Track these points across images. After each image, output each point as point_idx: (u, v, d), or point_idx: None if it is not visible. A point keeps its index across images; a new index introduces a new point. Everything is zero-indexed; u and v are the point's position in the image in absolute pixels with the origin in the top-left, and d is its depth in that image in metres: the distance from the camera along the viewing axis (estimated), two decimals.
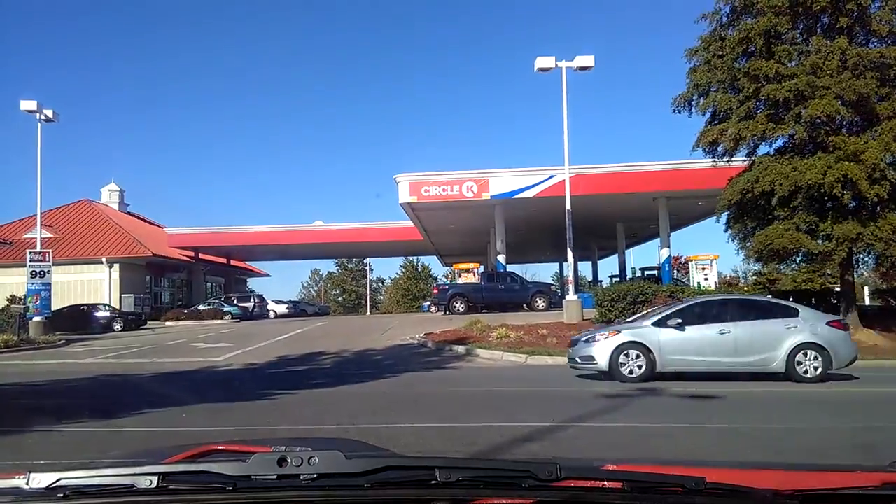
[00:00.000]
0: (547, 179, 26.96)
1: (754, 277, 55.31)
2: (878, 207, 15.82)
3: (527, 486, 1.25)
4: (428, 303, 38.00)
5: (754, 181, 16.70)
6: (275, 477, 1.24)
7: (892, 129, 14.91)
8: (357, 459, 1.28)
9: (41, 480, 1.23)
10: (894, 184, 15.31)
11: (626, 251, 39.32)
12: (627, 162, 29.11)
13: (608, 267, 60.03)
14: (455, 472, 1.24)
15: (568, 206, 21.14)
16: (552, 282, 50.04)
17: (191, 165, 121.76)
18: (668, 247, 29.52)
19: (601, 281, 41.26)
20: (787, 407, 8.95)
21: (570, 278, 21.55)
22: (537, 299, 27.63)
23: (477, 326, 18.83)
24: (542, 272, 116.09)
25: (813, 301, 19.86)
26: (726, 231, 18.86)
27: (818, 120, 15.81)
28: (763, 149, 18.30)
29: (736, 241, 18.62)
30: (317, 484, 1.23)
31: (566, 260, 49.13)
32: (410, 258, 70.63)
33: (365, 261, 65.98)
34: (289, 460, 1.24)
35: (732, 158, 18.74)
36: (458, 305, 27.42)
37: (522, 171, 28.08)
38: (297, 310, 44.26)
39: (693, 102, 18.83)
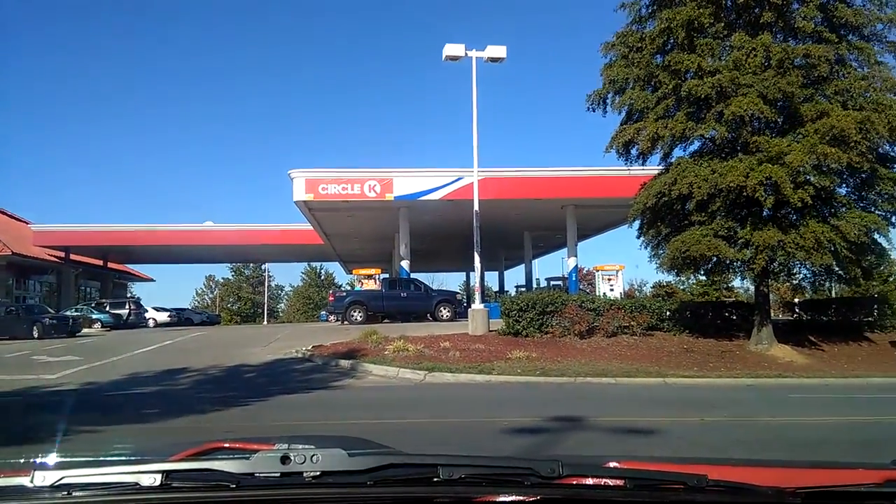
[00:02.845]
0: (455, 181, 25.33)
1: (653, 290, 56.51)
2: (801, 214, 15.08)
3: (529, 484, 1.24)
4: (326, 312, 35.45)
5: (671, 183, 15.62)
6: (278, 474, 1.23)
7: (817, 131, 14.15)
8: (360, 457, 1.28)
9: (46, 478, 1.22)
10: (819, 189, 14.59)
11: (533, 261, 38.49)
12: (539, 166, 28.02)
13: (515, 277, 59.52)
14: (458, 469, 1.23)
15: (476, 207, 19.52)
16: (459, 290, 48.65)
17: (66, 160, 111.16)
18: (576, 256, 28.64)
19: (507, 291, 40.15)
20: None
21: (478, 285, 19.79)
22: (442, 309, 25.87)
23: (372, 338, 16.76)
24: (450, 282, 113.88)
25: (710, 315, 19.13)
26: (639, 237, 17.81)
27: (741, 119, 14.91)
28: (679, 152, 17.39)
29: (649, 249, 17.62)
30: (320, 481, 1.22)
31: (474, 268, 48.02)
32: (313, 264, 67.44)
33: (263, 266, 62.17)
34: (292, 458, 1.23)
35: (647, 162, 17.73)
36: (356, 314, 25.22)
37: (429, 171, 26.34)
38: (182, 318, 40.48)
39: (608, 100, 17.69)
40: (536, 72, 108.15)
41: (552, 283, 34.26)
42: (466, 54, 19.06)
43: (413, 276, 29.78)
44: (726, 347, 16.41)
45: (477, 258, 19.52)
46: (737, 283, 43.93)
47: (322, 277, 68.40)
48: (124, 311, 35.56)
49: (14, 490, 1.26)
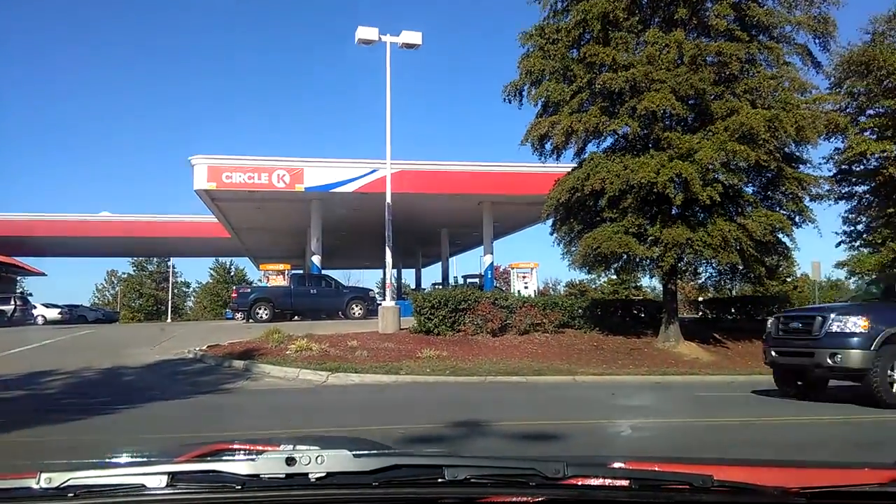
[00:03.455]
0: (370, 173, 24.36)
1: (566, 288, 57.39)
2: (709, 213, 15.13)
3: (534, 484, 1.25)
4: (231, 310, 33.61)
5: (584, 179, 15.38)
6: (283, 476, 1.23)
7: (727, 128, 14.20)
8: (365, 458, 1.28)
9: (52, 480, 1.21)
10: (727, 187, 14.66)
11: (451, 259, 38.09)
12: (460, 161, 27.47)
13: (433, 275, 59.05)
14: (463, 470, 1.24)
15: (388, 200, 18.72)
16: (375, 288, 47.66)
17: None
18: (492, 253, 28.33)
19: (424, 289, 39.56)
20: None
21: (389, 282, 19.02)
22: (354, 306, 24.88)
23: (274, 337, 15.66)
24: (367, 280, 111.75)
25: (619, 312, 19.15)
26: (552, 234, 17.55)
27: (653, 115, 14.80)
28: (593, 148, 17.20)
29: (562, 246, 17.37)
30: (325, 482, 1.23)
31: (397, 266, 47.00)
32: (222, 260, 64.65)
33: (168, 261, 58.94)
34: (297, 459, 1.23)
35: (561, 157, 17.48)
36: (261, 312, 23.87)
37: (342, 162, 25.29)
38: (75, 315, 37.62)
39: (524, 92, 17.31)
40: (457, 62, 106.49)
41: (469, 280, 33.87)
42: (380, 38, 18.19)
43: (328, 272, 28.67)
44: (635, 345, 16.34)
45: (388, 253, 18.72)
46: (645, 281, 45.18)
47: (232, 274, 65.61)
48: (8, 308, 32.59)
49: (20, 492, 1.25)
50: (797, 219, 15.84)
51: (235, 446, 1.89)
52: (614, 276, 40.29)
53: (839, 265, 20.53)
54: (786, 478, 1.45)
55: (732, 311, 21.00)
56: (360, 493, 1.24)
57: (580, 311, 18.09)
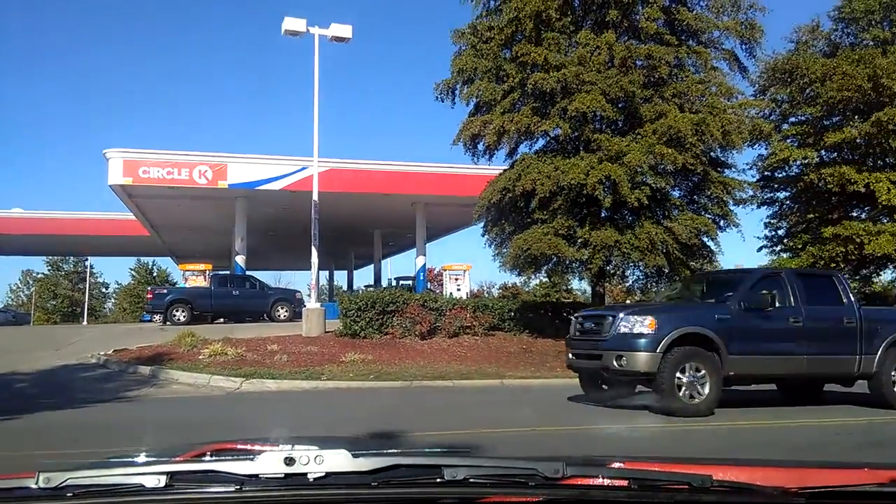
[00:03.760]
0: (298, 171, 23.49)
1: (499, 291, 57.61)
2: (637, 215, 15.13)
3: (533, 484, 1.25)
4: (147, 312, 31.83)
5: (515, 179, 15.16)
6: (282, 475, 1.22)
7: (655, 131, 14.22)
8: (364, 458, 1.27)
9: (50, 480, 1.21)
10: (655, 190, 14.69)
11: (385, 261, 37.50)
12: (390, 160, 26.89)
13: (365, 277, 58.07)
14: (462, 470, 1.23)
15: (315, 197, 18.00)
16: (307, 290, 46.44)
17: None
18: (424, 255, 27.91)
19: (356, 291, 38.77)
20: None
21: (314, 282, 18.25)
22: (279, 308, 23.93)
23: (187, 341, 14.71)
24: (300, 282, 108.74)
25: (550, 315, 19.05)
26: (483, 235, 17.28)
27: (584, 116, 14.71)
28: (526, 149, 17.03)
29: (493, 247, 17.12)
30: (324, 482, 1.22)
31: (323, 266, 46.02)
32: (144, 260, 61.82)
33: (85, 261, 55.82)
34: (296, 459, 1.23)
35: (493, 158, 17.26)
36: (179, 314, 22.63)
37: (269, 158, 24.34)
38: None
39: (457, 91, 17.00)
40: (393, 59, 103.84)
41: (402, 282, 33.35)
42: (308, 30, 17.47)
43: (257, 274, 27.56)
44: (563, 348, 16.14)
45: (314, 253, 17.99)
46: (575, 284, 45.70)
47: (155, 274, 62.78)
48: None
49: (19, 492, 1.25)
50: (721, 223, 16.06)
51: (234, 446, 1.88)
52: (546, 279, 40.55)
53: None
54: (785, 478, 1.44)
55: None
56: (359, 492, 1.24)
57: (511, 313, 17.84)
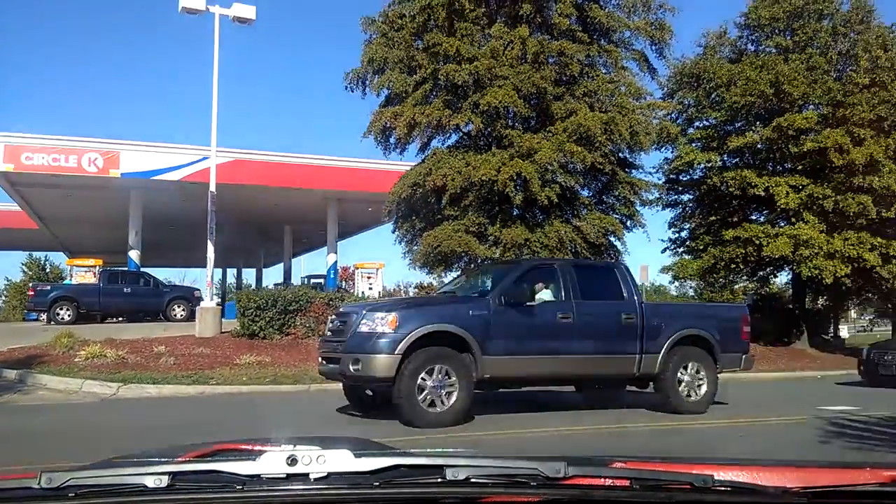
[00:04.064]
0: (199, 161, 21.96)
1: (416, 290, 57.19)
2: (547, 214, 14.96)
3: (535, 484, 1.25)
4: (29, 309, 29.26)
5: (426, 174, 14.69)
6: (284, 476, 1.22)
7: (565, 129, 14.08)
8: (366, 458, 1.27)
9: (52, 480, 1.19)
10: (564, 188, 14.56)
11: (298, 259, 36.31)
12: (300, 153, 25.80)
13: (276, 275, 56.23)
14: (464, 469, 1.23)
15: (212, 188, 16.90)
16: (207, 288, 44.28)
17: None
18: (336, 253, 27.01)
19: (263, 289, 37.30)
20: None
21: (209, 279, 17.12)
22: (176, 307, 22.45)
23: (63, 342, 13.36)
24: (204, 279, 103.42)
25: None
26: (394, 232, 16.73)
27: (496, 111, 14.39)
28: (439, 144, 16.60)
29: (403, 244, 16.58)
30: (326, 482, 1.22)
31: (231, 263, 43.97)
32: (36, 255, 57.51)
33: None
34: (298, 459, 1.23)
35: (405, 152, 16.75)
36: (63, 313, 20.84)
37: (166, 147, 22.75)
38: None
39: (367, 81, 16.33)
40: (303, 45, 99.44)
41: (313, 280, 32.26)
42: (207, 9, 16.33)
43: (155, 270, 25.89)
44: None
45: (210, 248, 16.90)
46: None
47: (48, 270, 58.51)
48: None
49: (21, 492, 1.25)
50: (628, 223, 16.17)
51: (237, 446, 1.82)
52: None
53: (664, 270, 21.51)
54: (787, 477, 1.41)
55: None
56: (361, 492, 1.23)
57: None
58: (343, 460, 1.24)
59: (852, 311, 47.90)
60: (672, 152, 20.33)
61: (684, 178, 21.14)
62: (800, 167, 18.81)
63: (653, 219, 54.99)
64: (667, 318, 8.77)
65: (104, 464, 1.63)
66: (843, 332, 38.85)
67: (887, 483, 1.38)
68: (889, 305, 24.39)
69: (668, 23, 15.77)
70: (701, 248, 20.42)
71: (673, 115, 19.88)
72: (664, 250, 22.18)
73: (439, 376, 7.17)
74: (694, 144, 20.01)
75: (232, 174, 20.07)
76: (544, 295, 8.09)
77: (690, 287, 30.81)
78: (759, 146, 19.31)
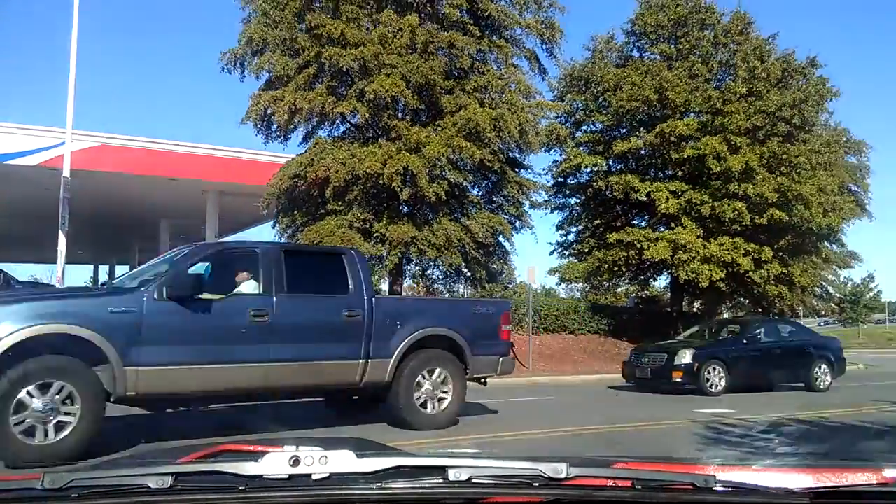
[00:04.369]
0: (59, 145, 19.84)
1: None
2: (435, 211, 14.49)
3: (538, 485, 1.26)
4: None
5: (308, 165, 13.83)
6: (287, 476, 1.24)
7: (455, 123, 13.65)
8: (369, 459, 1.28)
9: (55, 481, 1.21)
10: (453, 185, 14.12)
11: None
12: (177, 140, 23.94)
13: None
14: (466, 470, 1.24)
15: (66, 173, 15.22)
16: (87, 285, 40.85)
17: None
18: None
19: None
20: None
21: (59, 275, 15.38)
22: None
23: None
24: (81, 276, 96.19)
25: None
26: (273, 227, 15.76)
27: (384, 102, 13.73)
28: (324, 134, 15.76)
29: (283, 241, 15.58)
30: (329, 483, 1.24)
31: (102, 259, 40.69)
32: None
33: None
34: (301, 459, 1.24)
35: (288, 141, 15.79)
36: None
37: (20, 128, 20.28)
38: None
39: (246, 62, 15.24)
40: (181, 24, 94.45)
41: None
42: None
43: (9, 265, 23.11)
44: None
45: (61, 239, 15.14)
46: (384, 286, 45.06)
47: None
48: None
49: (24, 492, 1.25)
50: (517, 223, 16.01)
51: (239, 447, 1.75)
52: None
53: (552, 272, 21.66)
54: (789, 478, 1.41)
55: None
56: (364, 493, 1.23)
57: None
58: (345, 461, 1.25)
59: (725, 314, 51.06)
60: (561, 154, 20.48)
61: (572, 182, 21.35)
62: (680, 173, 19.38)
63: (542, 221, 56.21)
64: (404, 316, 7.25)
65: (107, 464, 1.67)
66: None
67: (890, 483, 1.37)
68: (759, 309, 25.80)
69: (558, 22, 15.77)
70: (586, 250, 20.68)
71: (562, 117, 20.00)
72: (552, 252, 22.37)
73: (50, 398, 5.28)
74: (582, 148, 20.20)
75: (97, 160, 18.25)
76: (246, 287, 6.60)
77: (577, 290, 31.49)
78: (642, 151, 19.76)
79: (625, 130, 20.14)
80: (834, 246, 22.72)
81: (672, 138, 18.16)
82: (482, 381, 8.06)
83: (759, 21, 23.08)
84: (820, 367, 13.31)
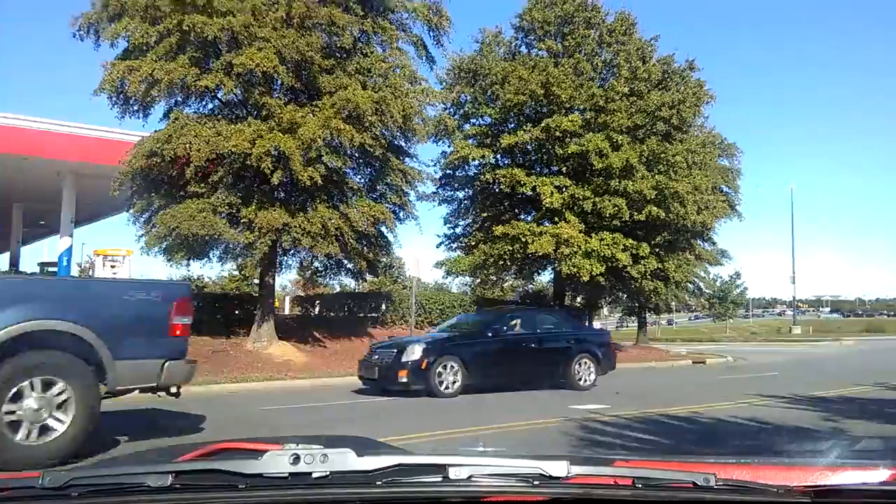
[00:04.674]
0: None
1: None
2: (311, 197, 13.57)
3: (538, 483, 1.23)
4: None
5: (166, 142, 12.51)
6: (287, 475, 1.22)
7: (333, 104, 12.78)
8: (369, 457, 1.26)
9: (55, 479, 1.20)
10: (331, 170, 13.25)
11: (39, 243, 30.72)
12: (28, 115, 21.44)
13: (3, 262, 48.04)
14: (466, 469, 1.22)
15: None
16: None
17: None
18: (71, 236, 22.93)
19: None
20: None
21: None
22: None
23: None
24: None
25: (236, 312, 16.92)
26: (128, 210, 14.26)
27: (256, 78, 12.66)
28: (191, 111, 14.37)
29: (139, 225, 14.19)
30: (329, 482, 1.22)
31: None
32: None
33: None
34: (301, 458, 1.22)
35: (148, 117, 14.31)
36: None
37: None
38: None
39: (100, 28, 13.66)
40: None
41: (48, 268, 27.51)
42: None
43: None
44: (222, 346, 13.97)
45: None
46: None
47: None
48: None
49: (24, 491, 1.25)
50: (401, 213, 15.37)
51: (239, 446, 1.72)
52: (237, 272, 37.47)
53: (438, 265, 21.24)
54: (790, 476, 1.40)
55: (341, 307, 20.09)
56: (364, 492, 1.23)
57: None
58: (346, 460, 1.24)
59: (605, 309, 52.92)
60: (449, 146, 20.07)
61: (460, 174, 21.04)
62: (564, 169, 19.48)
63: (430, 214, 56.07)
64: None
65: (106, 463, 1.84)
66: (596, 327, 42.43)
67: (891, 482, 1.36)
68: (636, 304, 26.61)
69: (446, 10, 15.21)
70: (473, 244, 20.43)
71: (451, 109, 19.60)
72: (439, 245, 21.97)
73: None
74: (470, 140, 19.91)
75: None
76: None
77: (467, 285, 31.40)
78: (528, 146, 19.71)
79: (512, 125, 20.01)
80: (706, 244, 23.76)
81: (557, 134, 18.21)
82: (174, 391, 6.13)
83: (642, 23, 23.64)
84: (582, 364, 11.93)
